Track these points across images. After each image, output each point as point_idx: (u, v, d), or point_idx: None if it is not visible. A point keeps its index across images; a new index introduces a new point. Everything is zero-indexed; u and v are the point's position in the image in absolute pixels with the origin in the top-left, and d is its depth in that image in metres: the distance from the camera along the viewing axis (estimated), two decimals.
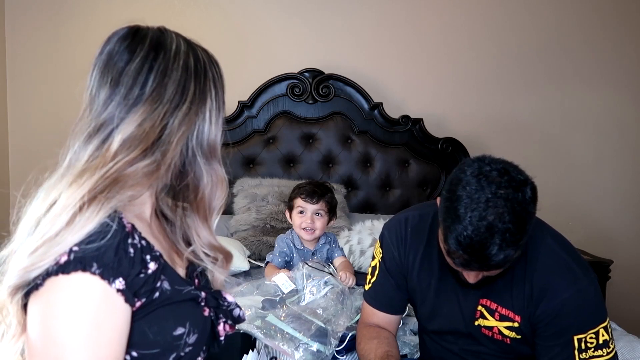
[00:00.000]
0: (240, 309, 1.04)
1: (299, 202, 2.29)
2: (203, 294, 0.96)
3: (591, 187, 3.37)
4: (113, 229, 0.81)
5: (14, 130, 3.27)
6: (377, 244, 1.64)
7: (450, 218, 1.24)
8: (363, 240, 2.72)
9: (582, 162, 3.37)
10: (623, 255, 3.20)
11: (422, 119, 3.21)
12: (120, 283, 0.80)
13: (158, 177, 0.90)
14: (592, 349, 1.34)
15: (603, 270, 2.81)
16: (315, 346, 1.73)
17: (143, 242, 0.87)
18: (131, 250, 0.83)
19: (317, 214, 2.27)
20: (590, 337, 1.34)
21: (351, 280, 2.12)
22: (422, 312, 1.58)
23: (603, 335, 1.34)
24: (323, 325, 1.81)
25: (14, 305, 0.83)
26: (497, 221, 1.18)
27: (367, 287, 1.67)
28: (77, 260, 0.79)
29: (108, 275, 0.79)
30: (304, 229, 2.26)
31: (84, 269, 0.79)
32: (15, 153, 3.28)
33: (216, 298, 0.99)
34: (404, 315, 1.85)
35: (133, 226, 0.87)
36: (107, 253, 0.80)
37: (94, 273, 0.79)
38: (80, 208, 0.80)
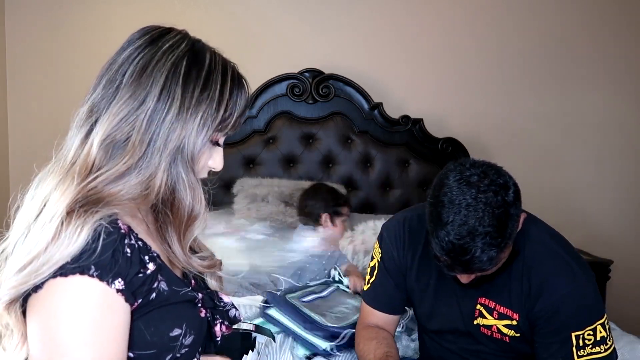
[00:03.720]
0: (236, 309, 1.04)
1: (346, 210, 2.40)
2: (200, 295, 0.96)
3: (591, 187, 3.36)
4: (108, 231, 0.81)
5: (14, 130, 3.27)
6: (376, 245, 1.65)
7: (433, 223, 1.27)
8: (367, 240, 2.72)
9: (582, 162, 3.37)
10: (623, 255, 3.19)
11: (422, 119, 3.21)
12: (119, 283, 0.81)
13: (148, 202, 0.88)
14: (590, 346, 1.35)
15: (603, 270, 2.81)
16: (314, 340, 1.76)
17: (140, 242, 0.86)
18: (128, 250, 0.83)
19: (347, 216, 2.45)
20: (588, 334, 1.35)
21: (359, 286, 2.13)
22: (421, 312, 1.58)
23: (601, 332, 1.35)
24: (317, 317, 1.84)
25: (12, 316, 0.83)
26: (477, 225, 1.21)
27: (366, 287, 1.67)
28: (75, 263, 0.79)
29: (106, 276, 0.80)
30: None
31: (82, 272, 0.79)
32: (15, 153, 3.28)
33: (212, 299, 0.99)
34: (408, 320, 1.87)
35: (129, 227, 0.86)
36: (104, 255, 0.80)
37: (92, 275, 0.79)
38: (62, 222, 0.80)
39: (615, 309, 2.90)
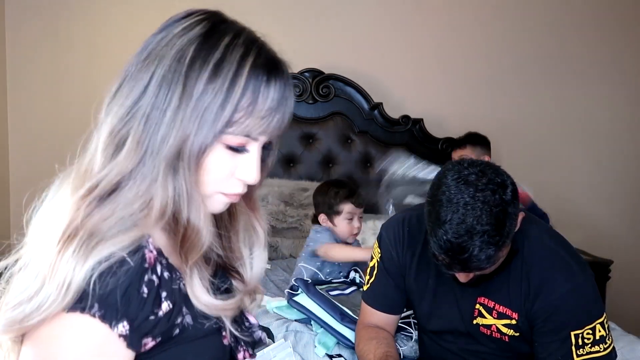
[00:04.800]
0: (262, 330, 0.95)
1: (349, 207, 2.16)
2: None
3: (591, 187, 3.36)
4: (123, 264, 0.70)
5: (14, 130, 3.27)
6: (375, 245, 1.65)
7: (431, 222, 1.27)
8: (367, 240, 2.73)
9: (582, 162, 3.37)
10: (623, 255, 3.19)
11: (422, 119, 3.21)
12: (123, 327, 0.70)
13: (149, 225, 0.73)
14: (589, 345, 1.35)
15: (603, 270, 2.81)
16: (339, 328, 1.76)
17: (166, 273, 0.75)
18: (145, 289, 0.72)
19: (360, 216, 2.23)
20: (587, 333, 1.35)
21: None
22: (421, 312, 1.58)
23: (600, 331, 1.35)
24: (348, 311, 1.83)
25: (10, 341, 0.75)
26: (475, 223, 1.21)
27: (365, 287, 1.67)
28: (79, 299, 0.69)
29: (110, 318, 0.69)
30: (354, 234, 2.19)
31: (83, 310, 0.68)
32: (15, 153, 3.27)
33: (237, 321, 0.88)
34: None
35: (160, 252, 0.75)
36: (114, 293, 0.69)
37: (94, 315, 0.68)
38: (58, 255, 0.69)
39: (615, 309, 2.90)
